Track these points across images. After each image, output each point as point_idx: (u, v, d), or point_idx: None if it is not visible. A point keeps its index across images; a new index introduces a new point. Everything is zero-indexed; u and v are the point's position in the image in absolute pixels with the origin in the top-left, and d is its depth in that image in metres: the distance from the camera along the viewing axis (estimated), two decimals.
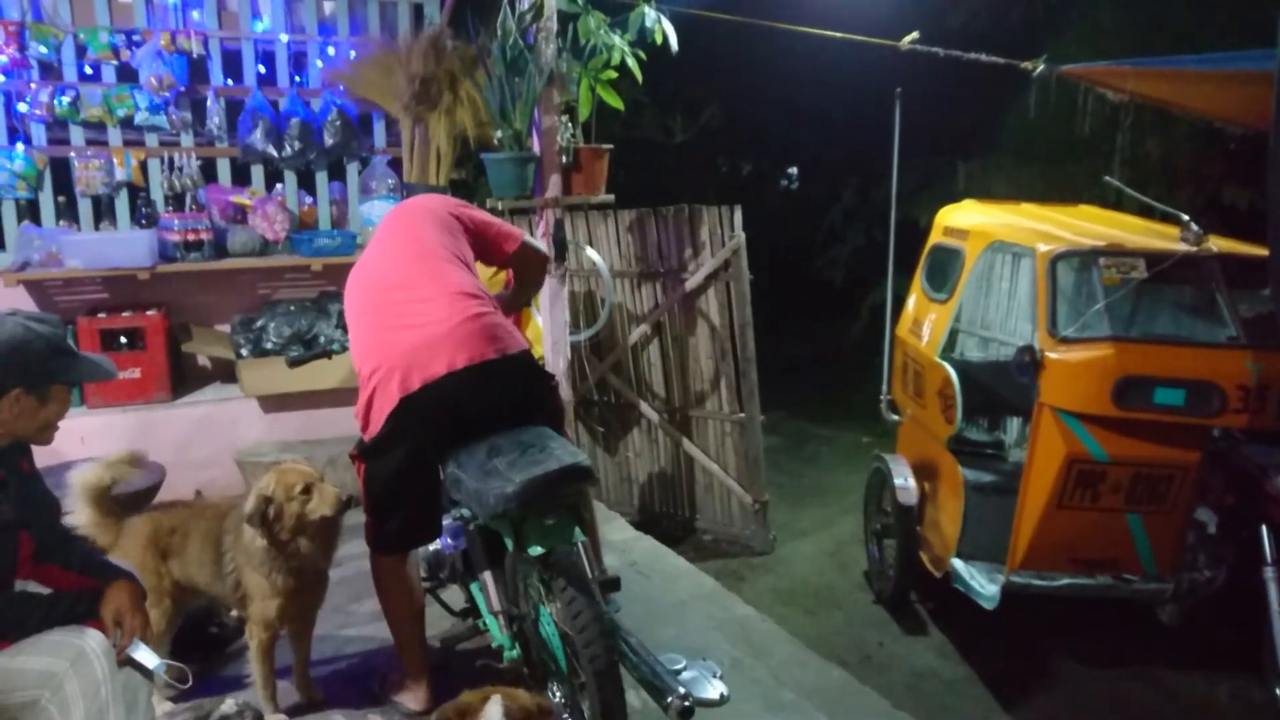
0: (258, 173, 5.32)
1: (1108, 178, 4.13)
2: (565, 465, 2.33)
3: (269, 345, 4.97)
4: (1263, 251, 3.43)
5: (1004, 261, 4.70)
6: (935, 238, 4.89)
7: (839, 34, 4.09)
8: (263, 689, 2.89)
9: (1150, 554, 3.54)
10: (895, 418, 4.98)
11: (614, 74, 4.62)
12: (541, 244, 3.58)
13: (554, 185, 4.47)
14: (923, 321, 4.67)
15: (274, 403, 4.92)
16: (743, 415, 5.25)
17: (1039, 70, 3.76)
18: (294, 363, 3.39)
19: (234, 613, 3.24)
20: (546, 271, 3.40)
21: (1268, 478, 3.31)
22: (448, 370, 2.52)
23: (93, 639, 2.17)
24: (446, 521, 2.94)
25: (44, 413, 2.24)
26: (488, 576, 2.70)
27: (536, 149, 4.46)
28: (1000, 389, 4.18)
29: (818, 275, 9.08)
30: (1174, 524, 3.49)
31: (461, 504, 2.67)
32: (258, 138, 5.14)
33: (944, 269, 4.70)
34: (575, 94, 4.56)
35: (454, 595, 3.26)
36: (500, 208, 4.40)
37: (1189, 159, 5.74)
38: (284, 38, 5.26)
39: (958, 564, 4.05)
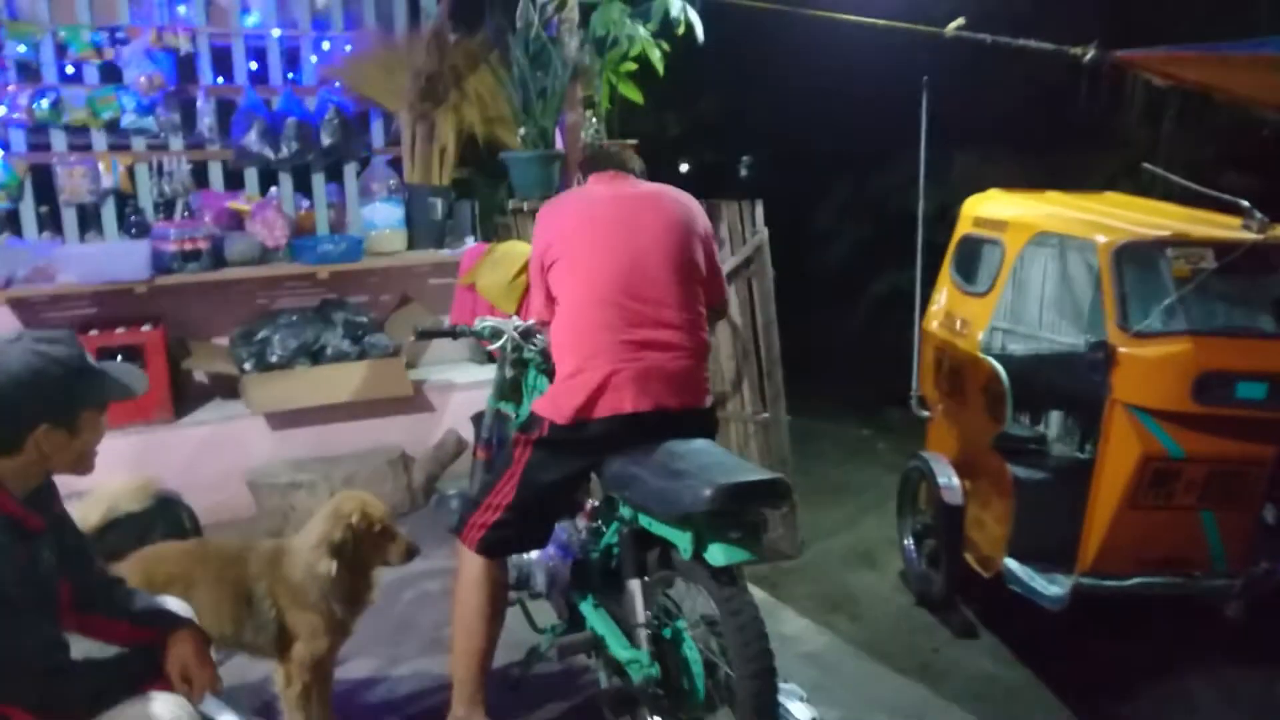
0: (251, 176, 5.06)
1: (1147, 165, 4.04)
2: (767, 479, 2.30)
3: (274, 359, 4.73)
4: None
5: (1036, 253, 4.60)
6: (964, 229, 4.77)
7: (879, 21, 3.94)
8: None
9: (1222, 551, 3.47)
10: (925, 414, 4.87)
11: (633, 65, 4.46)
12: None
13: (578, 184, 4.28)
14: (956, 316, 4.56)
15: (283, 419, 4.68)
16: (767, 415, 5.11)
17: (1090, 56, 3.64)
18: (421, 336, 3.28)
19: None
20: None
21: None
22: (654, 407, 2.54)
23: (177, 707, 1.96)
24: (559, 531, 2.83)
25: (76, 444, 1.98)
26: (636, 585, 2.54)
27: (559, 146, 4.27)
28: (1050, 383, 4.08)
29: (812, 268, 8.98)
30: (1246, 520, 3.42)
31: (625, 503, 2.57)
32: (253, 139, 4.89)
33: (976, 261, 4.59)
34: (597, 88, 4.38)
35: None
36: (525, 209, 4.21)
37: (1226, 148, 5.61)
38: (276, 33, 5.00)
39: (1012, 565, 3.94)
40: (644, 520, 2.49)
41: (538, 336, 3.14)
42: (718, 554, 2.25)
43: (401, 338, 5.04)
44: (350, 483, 4.51)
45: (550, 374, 3.17)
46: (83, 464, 2.02)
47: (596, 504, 2.91)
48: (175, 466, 4.33)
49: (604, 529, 2.79)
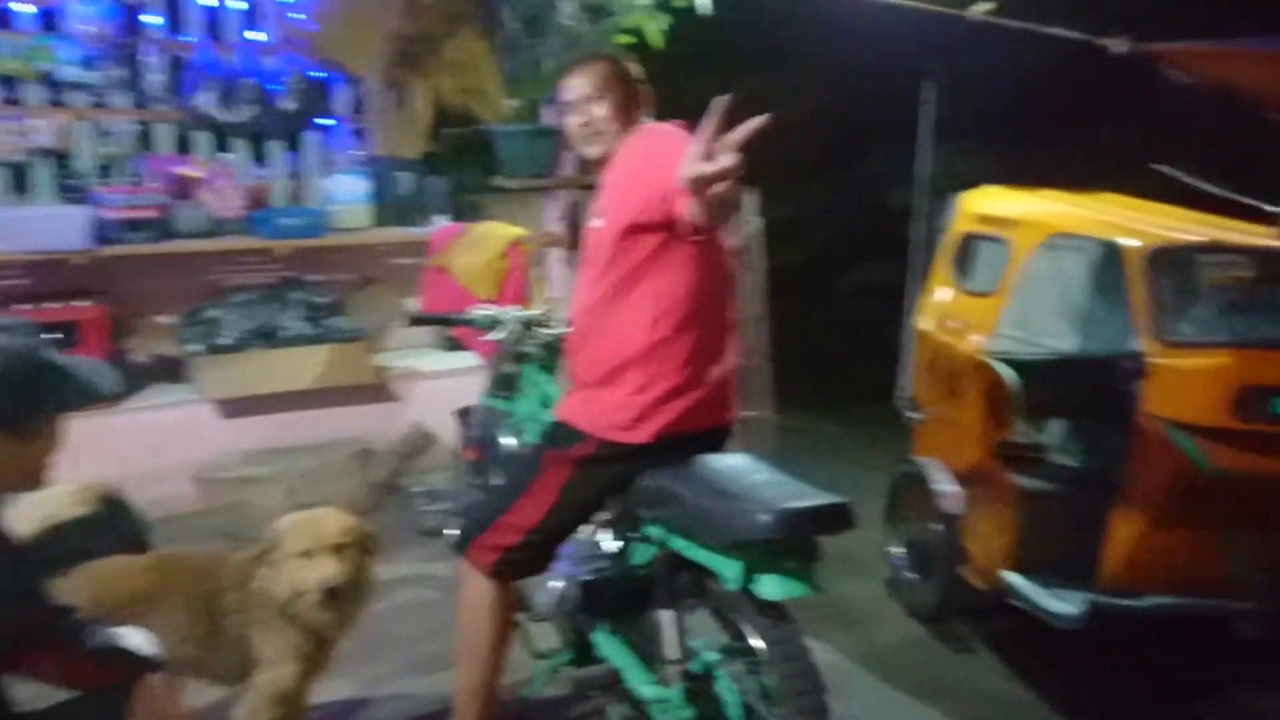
0: (203, 141, 4.64)
1: (1161, 166, 3.89)
2: (833, 504, 2.06)
3: (225, 340, 4.36)
4: None
5: (1040, 253, 4.42)
6: (965, 225, 4.58)
7: (903, 0, 3.72)
8: None
9: (1243, 571, 3.33)
10: (916, 416, 4.68)
11: (628, 38, 4.17)
12: None
13: (571, 162, 3.99)
14: (955, 316, 4.37)
15: (235, 406, 4.31)
16: (754, 414, 4.88)
17: (1121, 48, 3.47)
18: (415, 322, 2.98)
19: None
20: None
21: None
22: (705, 426, 2.34)
23: None
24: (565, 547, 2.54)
25: (29, 455, 1.66)
26: (669, 616, 2.28)
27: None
28: (1061, 391, 3.92)
29: (780, 259, 8.80)
30: (1270, 540, 3.29)
31: (659, 523, 2.31)
32: (206, 100, 4.48)
33: (978, 260, 4.41)
34: None
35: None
36: (513, 187, 3.91)
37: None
38: None
39: (1016, 579, 3.77)
40: (679, 544, 2.22)
41: (540, 329, 2.86)
42: (771, 587, 2.01)
43: (365, 321, 4.70)
44: (309, 478, 4.17)
45: (551, 369, 2.90)
46: (32, 479, 1.69)
47: (609, 517, 2.64)
48: (115, 457, 3.93)
49: (624, 547, 2.51)
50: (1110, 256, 3.93)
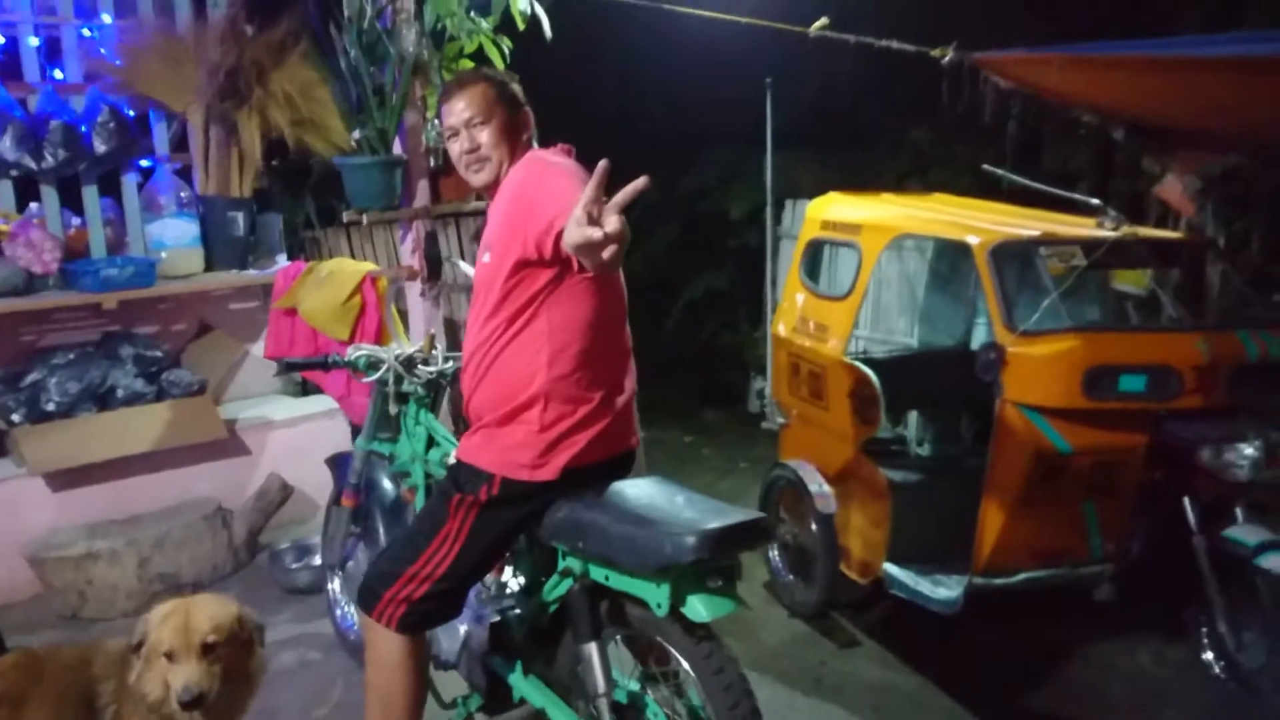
0: (5, 190, 4.24)
1: (987, 166, 4.13)
2: (751, 519, 2.07)
3: (50, 406, 4.00)
4: (1171, 234, 3.54)
5: (884, 255, 4.62)
6: (812, 232, 4.73)
7: (740, 19, 3.80)
8: None
9: (1100, 539, 3.57)
10: (780, 421, 4.80)
11: (470, 63, 4.09)
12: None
13: (422, 192, 3.86)
14: (812, 320, 4.50)
15: (68, 477, 3.94)
16: None
17: (948, 58, 3.67)
18: (287, 369, 2.81)
19: None
20: None
21: (1196, 451, 3.40)
22: (609, 455, 2.29)
23: None
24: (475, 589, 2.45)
25: None
26: (593, 648, 2.20)
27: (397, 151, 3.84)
28: (919, 385, 4.10)
29: (625, 272, 8.85)
30: (1122, 507, 3.53)
31: (575, 554, 2.24)
32: (7, 145, 4.09)
33: (828, 265, 4.57)
34: (437, 86, 3.97)
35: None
36: (364, 221, 3.75)
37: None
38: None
39: (894, 570, 3.91)
40: (599, 573, 2.18)
41: (423, 366, 2.75)
42: (700, 608, 2.00)
43: (206, 372, 4.40)
44: (162, 546, 3.86)
45: (435, 408, 2.80)
46: None
47: (514, 553, 2.55)
48: None
49: (533, 583, 2.44)
50: (954, 254, 4.13)
